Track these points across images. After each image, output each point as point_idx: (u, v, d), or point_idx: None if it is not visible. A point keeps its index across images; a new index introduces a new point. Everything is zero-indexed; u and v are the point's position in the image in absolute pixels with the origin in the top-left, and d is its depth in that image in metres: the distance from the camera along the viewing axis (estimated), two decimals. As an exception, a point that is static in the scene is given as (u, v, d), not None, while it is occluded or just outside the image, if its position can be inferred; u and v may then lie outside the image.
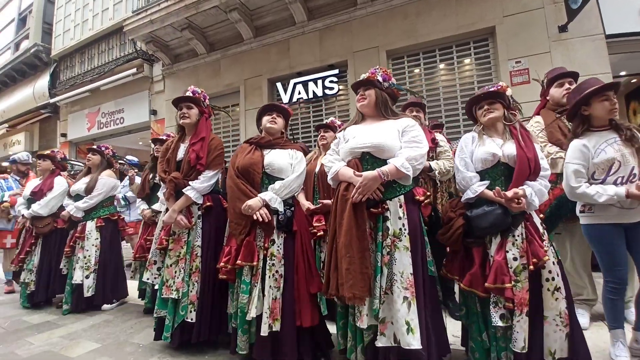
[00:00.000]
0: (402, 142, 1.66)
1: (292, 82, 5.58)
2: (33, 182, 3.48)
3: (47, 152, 3.61)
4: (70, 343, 2.35)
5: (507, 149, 1.63)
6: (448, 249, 1.80)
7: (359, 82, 1.85)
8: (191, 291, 2.04)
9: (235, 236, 1.90)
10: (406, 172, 1.57)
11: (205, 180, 2.17)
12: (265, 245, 1.86)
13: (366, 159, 1.68)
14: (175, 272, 2.07)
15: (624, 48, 4.10)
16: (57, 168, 3.51)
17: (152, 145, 3.29)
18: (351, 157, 1.71)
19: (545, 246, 1.56)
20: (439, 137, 2.61)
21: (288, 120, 2.21)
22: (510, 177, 1.62)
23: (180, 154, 2.21)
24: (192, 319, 2.00)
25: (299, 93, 5.53)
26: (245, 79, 5.99)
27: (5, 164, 9.26)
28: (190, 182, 2.13)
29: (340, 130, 1.90)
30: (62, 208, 3.24)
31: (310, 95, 5.44)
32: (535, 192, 1.58)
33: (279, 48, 5.72)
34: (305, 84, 5.49)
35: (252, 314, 1.76)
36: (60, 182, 3.36)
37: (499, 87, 1.73)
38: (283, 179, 1.96)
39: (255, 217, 1.83)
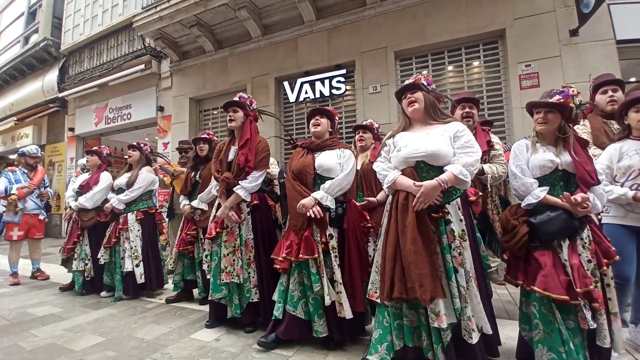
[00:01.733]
0: (455, 147, 1.71)
1: (299, 81, 5.58)
2: (82, 177, 3.73)
3: (95, 148, 3.86)
4: (74, 336, 2.38)
5: (563, 157, 1.66)
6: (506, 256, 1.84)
7: (406, 86, 1.90)
8: (252, 277, 2.35)
9: (295, 232, 2.09)
10: (464, 178, 1.64)
11: (253, 180, 2.38)
12: (323, 240, 2.04)
13: (421, 167, 1.75)
14: (234, 260, 2.33)
15: (635, 54, 4.07)
16: (103, 163, 3.73)
17: (194, 145, 3.37)
18: (405, 165, 1.77)
19: (612, 246, 1.62)
20: (495, 139, 2.54)
21: (333, 120, 2.37)
22: (568, 182, 1.66)
23: (231, 156, 2.43)
24: (257, 299, 2.33)
25: (306, 92, 5.53)
26: (252, 77, 6.00)
27: (13, 156, 9.36)
28: (240, 182, 2.35)
29: (389, 137, 1.94)
30: (106, 202, 3.42)
31: (317, 95, 5.43)
32: (597, 195, 1.62)
33: (286, 47, 5.72)
34: (312, 84, 5.49)
35: (327, 301, 1.94)
36: (105, 177, 3.59)
37: (566, 96, 1.67)
38: (333, 178, 2.11)
39: (308, 214, 2.00)
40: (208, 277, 2.54)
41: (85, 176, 3.68)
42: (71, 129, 8.77)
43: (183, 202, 3.19)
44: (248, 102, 2.51)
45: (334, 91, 5.32)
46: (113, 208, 3.30)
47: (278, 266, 2.11)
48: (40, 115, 9.49)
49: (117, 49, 7.87)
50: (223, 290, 2.34)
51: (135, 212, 3.32)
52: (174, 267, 3.17)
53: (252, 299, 2.33)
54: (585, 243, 1.59)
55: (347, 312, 1.94)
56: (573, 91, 1.77)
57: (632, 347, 1.88)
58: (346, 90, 5.30)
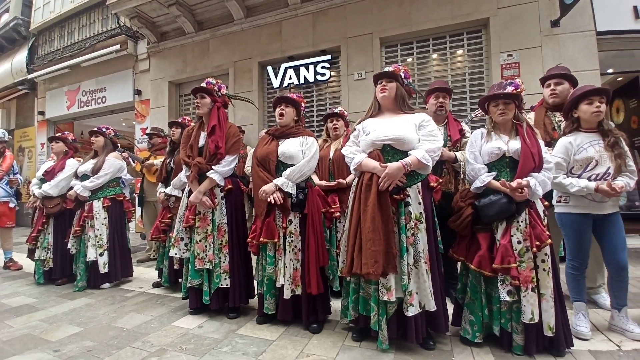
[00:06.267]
0: (419, 135, 1.86)
1: (283, 66, 5.46)
2: (48, 163, 3.61)
3: (59, 134, 3.71)
4: (50, 327, 2.31)
5: (512, 145, 1.82)
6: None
7: (384, 73, 1.99)
8: (223, 262, 2.36)
9: (259, 217, 2.20)
10: (427, 163, 1.78)
11: (226, 165, 2.40)
12: (284, 224, 2.14)
13: (387, 151, 1.86)
14: (206, 246, 2.34)
15: (614, 46, 4.20)
16: (70, 149, 3.61)
17: (169, 129, 3.39)
18: (372, 148, 1.88)
19: (546, 230, 1.75)
20: (466, 128, 2.63)
21: (299, 108, 2.38)
22: (514, 169, 1.81)
23: (202, 141, 2.43)
24: (227, 285, 2.35)
25: (290, 78, 5.42)
26: (235, 61, 5.83)
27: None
28: (213, 167, 2.36)
29: (358, 123, 2.05)
30: (71, 189, 3.27)
31: (302, 81, 5.35)
32: (539, 182, 1.76)
33: (270, 30, 5.56)
34: (296, 69, 5.39)
35: (281, 281, 2.09)
36: (71, 164, 3.47)
37: (518, 88, 1.85)
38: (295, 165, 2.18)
39: (269, 200, 2.08)
40: (176, 266, 2.64)
41: (50, 163, 3.57)
42: (41, 113, 8.31)
43: (159, 189, 3.16)
44: (216, 88, 2.48)
45: (319, 77, 5.24)
46: (77, 195, 3.16)
47: (251, 249, 2.25)
48: (9, 99, 8.95)
49: (89, 27, 7.44)
50: (202, 275, 2.35)
51: (101, 199, 3.22)
52: (155, 255, 3.13)
53: (221, 285, 2.34)
54: (520, 226, 1.75)
55: (285, 293, 2.09)
56: (520, 82, 1.88)
57: (617, 332, 1.98)
58: (331, 76, 5.23)
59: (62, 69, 7.44)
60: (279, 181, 2.12)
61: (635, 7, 4.06)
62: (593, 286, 2.42)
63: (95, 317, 2.46)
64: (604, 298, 2.37)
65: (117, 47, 6.61)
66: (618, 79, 6.66)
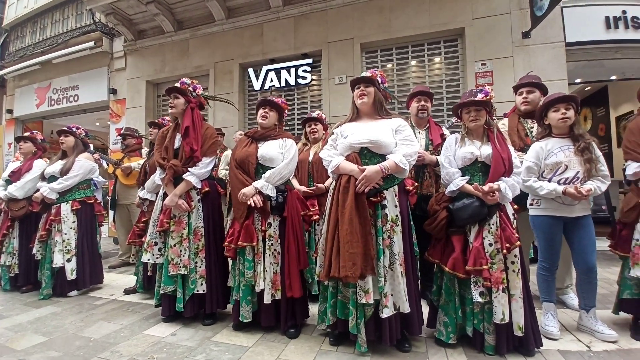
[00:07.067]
0: (396, 139, 1.89)
1: (264, 68, 5.44)
2: (14, 164, 3.42)
3: (27, 134, 3.53)
4: (15, 335, 2.20)
5: (484, 150, 1.89)
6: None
7: (361, 78, 2.01)
8: (199, 267, 2.30)
9: (237, 220, 2.15)
10: (404, 167, 1.82)
11: (203, 167, 2.35)
12: (263, 227, 2.12)
13: (364, 154, 1.89)
14: (181, 251, 2.27)
15: (584, 56, 4.39)
16: (38, 150, 3.45)
17: (147, 128, 3.33)
18: (350, 151, 1.91)
19: (515, 233, 1.81)
20: (447, 132, 2.69)
21: (282, 114, 2.38)
22: (486, 173, 1.87)
23: (177, 143, 2.37)
24: (203, 290, 2.28)
25: (271, 80, 5.40)
26: (215, 62, 5.74)
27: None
28: (189, 169, 2.30)
29: (337, 127, 2.07)
30: (38, 191, 3.10)
31: (283, 84, 5.33)
32: (509, 186, 1.83)
33: (252, 32, 5.52)
34: (278, 72, 5.37)
35: (261, 286, 2.05)
36: (39, 165, 3.30)
37: (488, 96, 1.93)
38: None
39: (249, 203, 2.05)
40: (149, 273, 2.55)
41: (17, 164, 3.40)
42: (9, 111, 7.89)
43: (140, 193, 3.06)
44: (191, 88, 2.43)
45: (300, 80, 5.25)
46: (44, 198, 2.99)
47: (228, 254, 2.20)
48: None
49: (62, 23, 7.15)
50: (176, 281, 2.28)
51: (70, 202, 3.05)
52: (134, 259, 3.03)
53: (197, 290, 2.28)
54: (492, 228, 1.81)
55: (266, 298, 2.05)
56: (490, 89, 1.96)
57: (585, 332, 2.04)
58: (312, 80, 5.24)
59: (33, 65, 7.10)
60: (258, 184, 2.10)
61: (607, 18, 4.24)
62: (561, 287, 2.51)
63: (61, 327, 2.33)
64: (572, 298, 2.46)
65: (92, 43, 6.37)
66: (586, 89, 7.03)
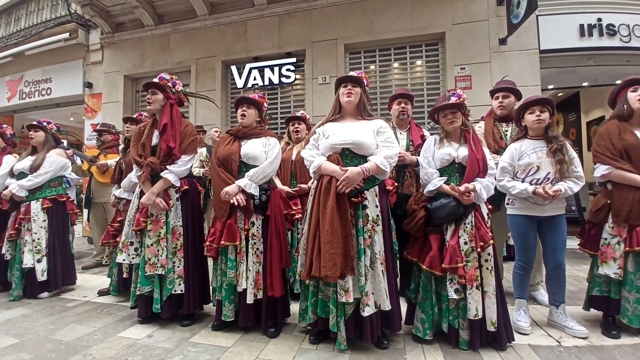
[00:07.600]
0: (377, 141, 1.91)
1: (247, 66, 5.39)
2: None
3: None
4: (-15, 337, 2.08)
5: (461, 151, 1.95)
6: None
7: (349, 77, 2.02)
8: (177, 267, 2.24)
9: (219, 219, 2.12)
10: (384, 168, 1.84)
11: (182, 165, 2.29)
12: (246, 226, 2.10)
13: (346, 154, 1.91)
14: (158, 250, 2.21)
15: (557, 63, 4.58)
16: (8, 145, 3.32)
17: (124, 124, 3.20)
18: (332, 152, 1.91)
19: (489, 232, 1.87)
20: (427, 133, 2.73)
21: (262, 109, 2.33)
22: (463, 174, 1.92)
23: (155, 140, 2.30)
24: (181, 290, 2.23)
25: (255, 79, 5.36)
26: (197, 59, 5.64)
27: None
28: (168, 166, 2.24)
29: (319, 126, 2.07)
30: (6, 188, 2.94)
31: (266, 82, 5.31)
32: (484, 187, 1.88)
33: (235, 29, 5.46)
34: (261, 70, 5.34)
35: (244, 285, 2.03)
36: (7, 161, 3.16)
37: (461, 98, 1.99)
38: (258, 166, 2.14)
39: (232, 202, 2.02)
40: (124, 275, 2.47)
41: None
42: (-24, 103, 7.47)
43: (114, 191, 2.96)
44: (170, 84, 2.36)
45: (284, 79, 5.23)
46: (12, 195, 2.85)
47: (208, 254, 2.16)
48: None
49: (37, 14, 6.84)
50: (153, 282, 2.23)
51: (41, 200, 2.91)
52: (107, 261, 2.93)
53: (174, 290, 2.23)
54: (467, 227, 1.86)
55: (248, 297, 2.03)
56: (462, 92, 2.03)
57: (556, 328, 2.12)
58: (296, 79, 5.24)
59: (5, 57, 6.79)
60: (241, 182, 2.07)
61: (581, 26, 4.41)
62: (532, 283, 2.61)
63: (32, 329, 2.24)
64: (542, 295, 2.57)
65: (67, 35, 6.14)
66: (559, 94, 7.35)
